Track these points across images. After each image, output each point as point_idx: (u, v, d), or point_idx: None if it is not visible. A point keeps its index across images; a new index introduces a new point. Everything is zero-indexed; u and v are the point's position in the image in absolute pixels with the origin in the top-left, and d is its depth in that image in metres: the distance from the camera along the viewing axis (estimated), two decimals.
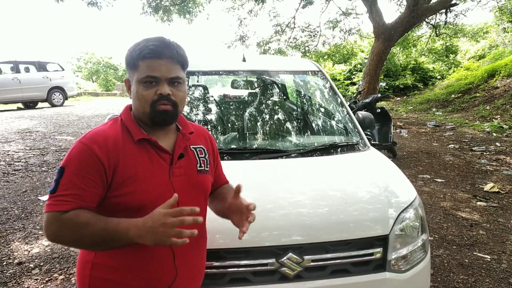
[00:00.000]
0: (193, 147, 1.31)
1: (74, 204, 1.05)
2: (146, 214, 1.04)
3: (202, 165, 1.31)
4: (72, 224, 1.04)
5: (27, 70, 13.72)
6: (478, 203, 4.63)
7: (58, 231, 1.05)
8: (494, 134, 8.96)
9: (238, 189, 1.22)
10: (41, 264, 3.07)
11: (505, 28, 16.83)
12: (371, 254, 1.69)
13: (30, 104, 14.51)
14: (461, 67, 18.04)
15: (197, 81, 2.99)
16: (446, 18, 12.83)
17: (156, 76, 1.14)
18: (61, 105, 14.43)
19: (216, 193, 1.46)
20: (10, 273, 2.92)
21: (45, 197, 4.52)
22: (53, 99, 14.19)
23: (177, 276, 1.21)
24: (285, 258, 1.59)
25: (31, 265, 3.05)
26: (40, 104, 14.84)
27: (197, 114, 2.80)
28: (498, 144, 7.96)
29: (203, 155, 1.33)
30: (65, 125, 9.39)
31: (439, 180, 5.58)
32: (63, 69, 14.91)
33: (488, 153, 7.29)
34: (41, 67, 14.06)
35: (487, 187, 5.15)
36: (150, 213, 1.02)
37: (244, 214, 1.22)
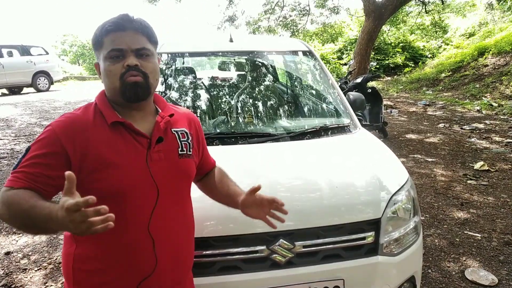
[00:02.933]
0: (174, 130, 1.25)
1: (24, 183, 1.02)
2: (125, 201, 1.09)
3: (184, 149, 1.25)
4: (7, 201, 1.00)
5: (10, 54, 13.35)
6: (469, 181, 4.66)
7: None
8: (484, 112, 9.02)
9: (258, 188, 1.28)
10: (30, 253, 3.02)
11: (492, 5, 16.74)
12: (363, 238, 1.66)
13: (15, 90, 14.19)
14: (452, 45, 17.99)
15: (183, 63, 2.90)
16: None
17: (122, 48, 1.11)
18: (47, 90, 14.10)
19: (211, 180, 1.45)
20: None
21: None
22: (38, 84, 13.87)
23: (157, 264, 1.18)
24: (276, 244, 1.55)
25: (20, 255, 3.00)
26: (25, 90, 14.51)
27: (183, 97, 2.72)
28: (487, 122, 8.01)
29: (185, 139, 1.26)
30: (51, 111, 9.19)
31: (429, 159, 5.60)
32: (47, 53, 14.53)
33: (478, 131, 7.33)
34: (24, 51, 13.69)
35: (477, 165, 5.18)
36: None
37: (264, 206, 1.29)
